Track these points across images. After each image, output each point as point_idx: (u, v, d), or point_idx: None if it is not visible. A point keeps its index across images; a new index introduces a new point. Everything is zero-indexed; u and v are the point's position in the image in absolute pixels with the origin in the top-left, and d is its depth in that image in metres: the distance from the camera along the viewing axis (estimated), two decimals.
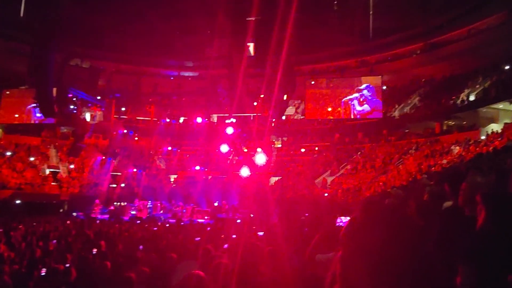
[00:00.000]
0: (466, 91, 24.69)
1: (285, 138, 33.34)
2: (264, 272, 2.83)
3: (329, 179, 25.68)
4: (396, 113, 28.61)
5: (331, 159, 27.96)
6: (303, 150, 31.57)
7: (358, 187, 22.34)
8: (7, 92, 28.99)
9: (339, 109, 27.49)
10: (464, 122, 24.95)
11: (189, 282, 1.84)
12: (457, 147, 21.48)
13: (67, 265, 6.10)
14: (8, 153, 28.13)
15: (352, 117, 27.72)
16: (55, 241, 9.07)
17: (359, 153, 27.83)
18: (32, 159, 28.64)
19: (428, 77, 29.14)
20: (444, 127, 26.21)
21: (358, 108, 26.88)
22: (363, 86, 26.75)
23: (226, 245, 6.05)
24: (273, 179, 29.10)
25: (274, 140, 34.16)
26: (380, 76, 27.62)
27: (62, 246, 8.57)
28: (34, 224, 13.72)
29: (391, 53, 30.28)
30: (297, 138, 32.87)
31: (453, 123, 26.03)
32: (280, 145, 32.40)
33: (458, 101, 24.65)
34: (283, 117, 30.88)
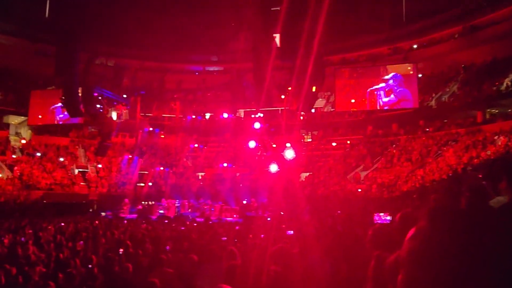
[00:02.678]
0: (511, 76, 23.52)
1: (315, 132, 32.95)
2: (294, 275, 2.70)
3: (363, 174, 25.17)
4: (433, 103, 27.66)
5: (364, 153, 27.39)
6: (334, 144, 31.11)
7: (393, 182, 21.77)
8: (35, 93, 29.99)
9: (364, 100, 26.79)
10: (509, 110, 23.79)
11: None
12: (502, 137, 20.51)
13: (90, 266, 6.18)
14: (38, 154, 29.22)
15: (378, 108, 26.97)
16: (82, 242, 9.25)
17: (394, 145, 27.12)
18: (61, 159, 29.65)
19: (467, 63, 27.96)
20: (487, 116, 25.11)
21: (384, 98, 26.10)
22: (389, 75, 25.92)
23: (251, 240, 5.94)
24: (304, 175, 28.84)
25: (303, 135, 33.83)
26: (408, 65, 26.69)
27: (89, 247, 8.73)
28: (63, 224, 14.11)
29: (427, 39, 29.27)
30: (328, 132, 32.41)
31: (497, 111, 24.88)
32: (310, 140, 32.05)
33: (502, 87, 23.52)
34: (313, 110, 30.48)
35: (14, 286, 4.89)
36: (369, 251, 2.11)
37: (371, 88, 26.08)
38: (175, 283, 4.52)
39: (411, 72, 25.87)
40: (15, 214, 19.05)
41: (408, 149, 25.62)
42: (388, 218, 7.82)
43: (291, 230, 6.61)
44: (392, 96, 25.74)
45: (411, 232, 0.86)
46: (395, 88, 25.58)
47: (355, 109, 28.45)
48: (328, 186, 24.82)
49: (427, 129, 26.87)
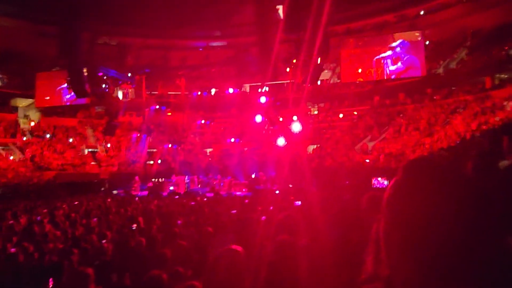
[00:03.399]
0: None
1: (321, 104, 32.76)
2: (301, 243, 2.77)
3: (370, 144, 25.13)
4: (441, 70, 27.22)
5: (371, 124, 27.26)
6: (341, 115, 30.95)
7: (401, 151, 21.74)
8: (40, 75, 30.05)
9: (370, 69, 26.37)
10: None
11: (226, 256, 1.80)
12: (511, 103, 20.25)
13: (104, 241, 6.36)
14: (48, 136, 29.56)
15: (385, 77, 26.56)
16: (95, 219, 9.46)
17: (401, 115, 26.92)
18: (71, 140, 29.98)
19: (476, 28, 27.30)
20: (496, 82, 24.69)
21: (391, 67, 25.63)
22: (396, 42, 25.36)
23: (263, 218, 6.05)
24: (311, 148, 28.88)
25: (310, 107, 33.66)
26: (416, 32, 26.12)
27: (103, 223, 8.94)
28: (76, 203, 14.41)
29: (434, 4, 28.51)
30: (334, 104, 32.22)
31: (506, 76, 24.44)
32: (316, 112, 31.92)
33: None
34: (318, 82, 30.23)
35: (32, 263, 5.06)
36: (368, 216, 2.16)
37: (378, 57, 25.68)
38: (190, 254, 4.65)
39: (419, 39, 25.35)
40: (30, 194, 19.47)
41: (415, 118, 25.44)
42: (386, 182, 7.93)
43: (299, 201, 6.70)
44: (399, 64, 25.34)
45: (390, 183, 0.90)
46: (403, 55, 25.15)
47: (361, 80, 28.13)
48: (336, 157, 24.86)
49: (435, 97, 26.56)
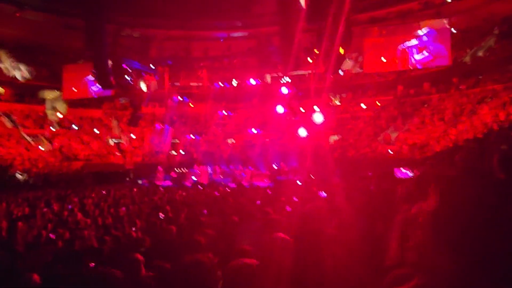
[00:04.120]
0: None
1: (343, 95, 32.49)
2: (328, 233, 2.87)
3: (393, 135, 24.84)
4: (468, 59, 26.52)
5: (395, 114, 26.91)
6: (363, 106, 30.62)
7: (425, 142, 21.44)
8: (67, 68, 30.75)
9: (395, 58, 25.84)
10: None
11: (275, 243, 1.88)
12: None
13: (134, 229, 6.62)
14: (74, 127, 30.41)
15: (411, 67, 26.02)
16: (124, 208, 9.79)
17: (425, 105, 26.46)
18: (96, 131, 30.76)
19: (505, 14, 26.39)
20: None
21: (417, 56, 25.03)
22: (422, 31, 24.72)
23: (288, 208, 6.18)
24: (333, 138, 28.75)
25: (332, 98, 33.40)
26: (443, 19, 25.43)
27: (131, 212, 9.27)
28: (104, 192, 14.88)
29: None
30: (357, 94, 31.88)
31: None
32: (338, 103, 31.70)
33: None
34: (341, 72, 29.96)
35: (70, 248, 5.36)
36: (399, 206, 2.24)
37: (403, 46, 25.17)
38: (216, 242, 4.83)
39: (447, 26, 24.64)
40: (60, 184, 20.19)
41: (440, 108, 24.96)
42: (409, 172, 7.93)
43: (323, 191, 6.79)
44: (425, 53, 24.76)
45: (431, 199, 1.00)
46: (429, 44, 24.56)
47: (385, 70, 27.71)
48: (358, 148, 24.72)
49: (461, 87, 25.96)
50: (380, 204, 3.67)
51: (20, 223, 6.94)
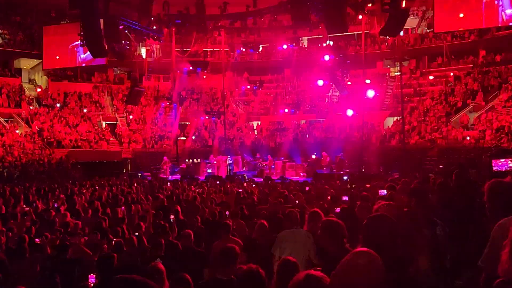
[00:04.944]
0: None
1: (405, 63, 31.88)
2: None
3: (472, 116, 24.27)
4: None
5: (475, 88, 26.24)
6: (431, 77, 29.98)
7: None
8: (48, 30, 31.16)
9: (478, 14, 25.01)
10: None
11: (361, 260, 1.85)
12: None
13: (137, 234, 6.73)
14: (58, 105, 31.04)
15: (500, 24, 25.16)
16: (124, 207, 9.97)
17: None
18: (85, 110, 31.33)
19: None
20: None
21: (509, 10, 24.14)
22: None
23: (338, 209, 6.13)
24: (390, 120, 28.34)
25: (389, 67, 32.86)
26: None
27: (133, 213, 9.43)
28: (97, 187, 15.20)
29: None
30: (423, 61, 31.22)
31: None
32: (398, 73, 31.17)
33: None
34: (402, 33, 29.34)
35: (62, 256, 5.50)
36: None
37: None
38: (252, 253, 4.87)
39: None
40: (41, 176, 20.73)
41: None
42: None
43: (383, 189, 6.71)
44: None
45: None
46: None
47: (462, 29, 26.93)
48: (424, 133, 24.29)
49: None
50: (466, 205, 3.59)
51: None
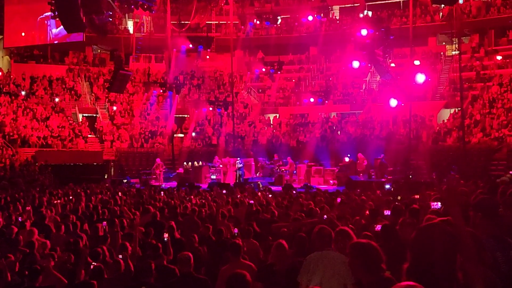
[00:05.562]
0: None
1: (465, 39, 31.63)
2: None
3: None
4: None
5: None
6: (499, 58, 29.68)
7: None
8: None
9: None
10: None
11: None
12: None
13: (121, 257, 6.74)
14: (23, 93, 31.20)
15: None
16: (105, 223, 9.99)
17: None
18: (56, 99, 31.43)
19: None
20: None
21: None
22: None
23: (378, 226, 6.09)
24: (445, 113, 28.10)
25: (444, 44, 32.58)
26: None
27: (117, 230, 9.44)
28: (72, 197, 15.26)
29: None
30: (488, 37, 30.93)
31: None
32: (455, 52, 30.96)
33: None
34: (460, 0, 29.14)
35: (28, 284, 5.51)
36: None
37: None
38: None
39: None
40: (1, 182, 20.86)
41: None
42: None
43: (436, 201, 6.64)
44: None
45: None
46: None
47: None
48: (489, 130, 24.08)
49: None
50: None
51: None
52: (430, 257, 2.35)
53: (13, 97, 30.49)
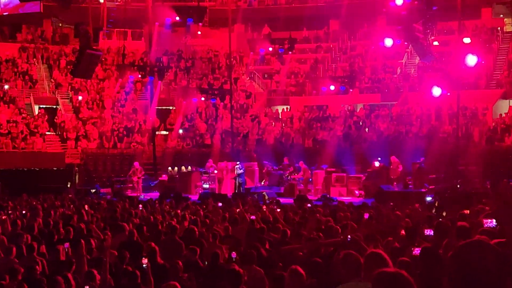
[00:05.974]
0: None
1: None
2: None
3: None
4: None
5: None
6: None
7: None
8: None
9: None
10: None
11: None
12: None
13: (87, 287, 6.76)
14: None
15: None
16: (67, 244, 10.00)
17: None
18: (6, 86, 31.50)
19: None
20: None
21: None
22: None
23: (417, 250, 6.09)
24: (503, 105, 28.08)
25: (502, 17, 32.57)
26: None
27: (82, 253, 9.44)
28: (24, 212, 15.27)
29: None
30: None
31: None
32: None
33: None
34: None
35: None
36: None
37: None
38: None
39: None
40: None
41: None
42: None
43: (491, 218, 6.63)
44: None
45: None
46: None
47: None
48: None
49: None
50: None
51: None
52: (473, 281, 2.35)
53: None
